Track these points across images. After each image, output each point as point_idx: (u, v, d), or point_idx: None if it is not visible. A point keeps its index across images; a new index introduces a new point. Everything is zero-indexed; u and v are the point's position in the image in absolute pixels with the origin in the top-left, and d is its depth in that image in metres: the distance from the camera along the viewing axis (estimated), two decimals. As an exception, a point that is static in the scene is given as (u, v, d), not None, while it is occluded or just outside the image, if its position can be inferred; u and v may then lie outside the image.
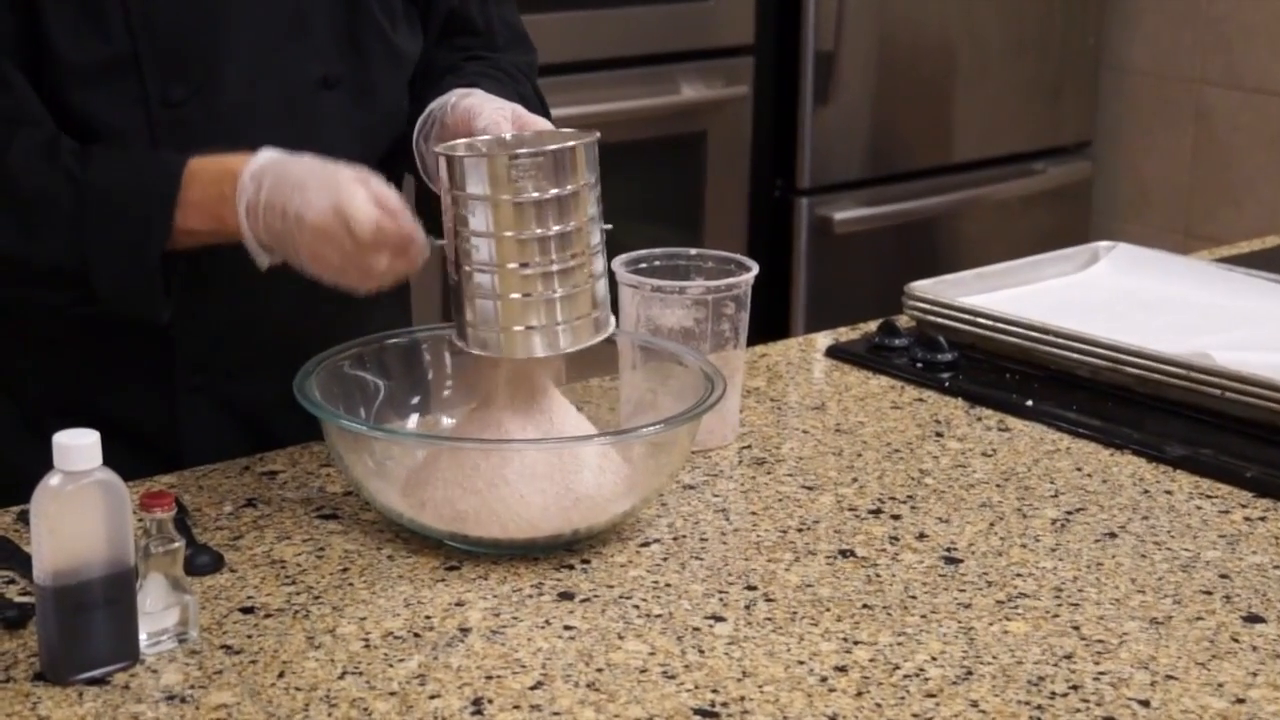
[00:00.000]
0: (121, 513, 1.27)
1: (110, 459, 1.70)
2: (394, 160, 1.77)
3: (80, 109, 1.63)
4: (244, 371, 1.77)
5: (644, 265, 1.74)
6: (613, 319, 1.56)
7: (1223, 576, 1.48)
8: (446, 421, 1.67)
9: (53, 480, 1.26)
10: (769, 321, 3.76)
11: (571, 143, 1.49)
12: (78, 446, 1.26)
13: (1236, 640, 1.36)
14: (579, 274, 1.49)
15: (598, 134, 1.52)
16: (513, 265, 1.47)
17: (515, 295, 1.48)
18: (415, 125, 1.72)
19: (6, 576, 1.44)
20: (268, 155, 1.53)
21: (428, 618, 1.38)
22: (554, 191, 1.46)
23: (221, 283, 1.69)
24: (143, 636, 1.31)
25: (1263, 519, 1.60)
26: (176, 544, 1.33)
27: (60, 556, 1.26)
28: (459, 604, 1.41)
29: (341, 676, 1.29)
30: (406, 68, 1.81)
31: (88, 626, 1.27)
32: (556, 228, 1.47)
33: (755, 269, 1.73)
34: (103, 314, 1.65)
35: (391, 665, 1.31)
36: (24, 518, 1.51)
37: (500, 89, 1.75)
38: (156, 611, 1.32)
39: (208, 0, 1.65)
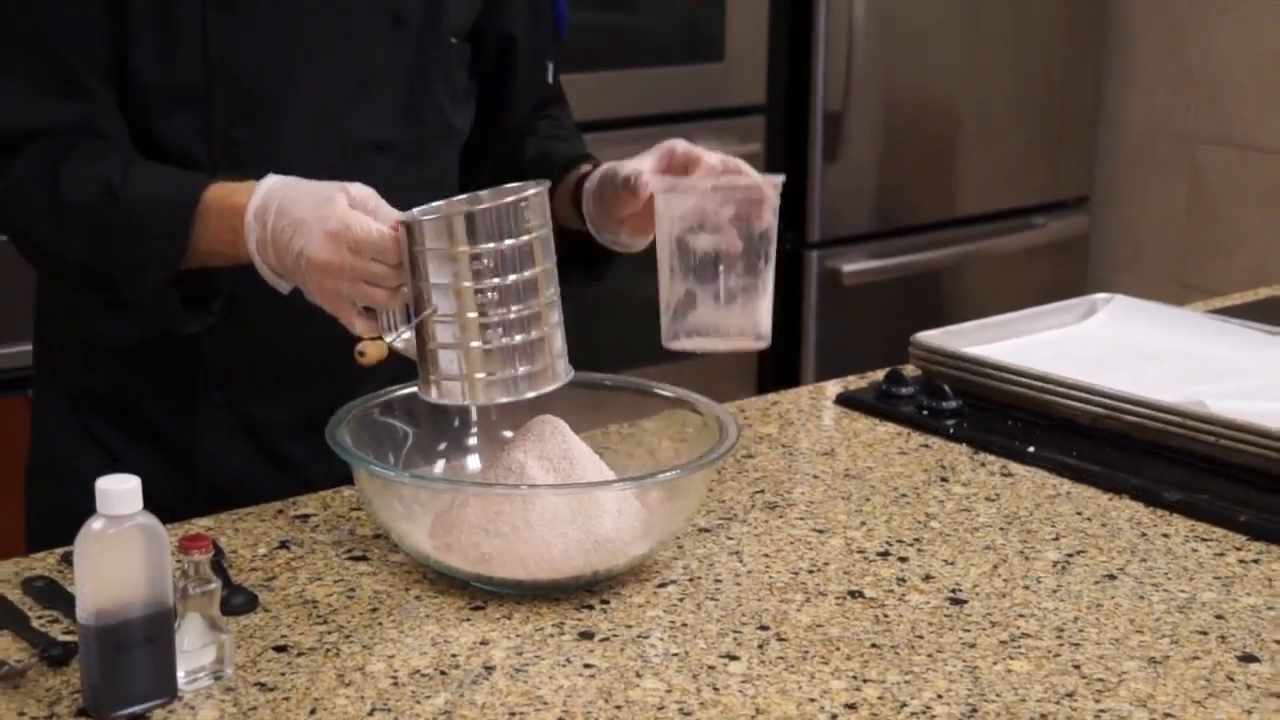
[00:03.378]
0: (161, 555, 1.28)
1: (135, 459, 1.72)
2: None
3: (150, 132, 1.68)
4: (264, 394, 1.80)
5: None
6: (571, 368, 1.56)
7: (1218, 617, 1.47)
8: (472, 467, 1.67)
9: (95, 524, 1.26)
10: (780, 370, 3.77)
11: (526, 193, 1.50)
12: (119, 491, 1.26)
13: (1232, 679, 1.36)
14: (537, 322, 1.50)
15: (548, 183, 1.54)
16: (472, 315, 1.47)
17: (476, 344, 1.48)
18: (580, 184, 1.78)
19: (51, 616, 1.44)
20: (268, 188, 1.54)
21: (454, 656, 1.38)
22: (509, 242, 1.46)
23: (253, 307, 1.70)
24: (180, 674, 1.31)
25: (1256, 561, 1.59)
26: (213, 585, 1.33)
27: (102, 597, 1.26)
28: (483, 643, 1.41)
29: (371, 713, 1.29)
30: (458, 140, 1.86)
31: (128, 664, 1.27)
32: (513, 277, 1.47)
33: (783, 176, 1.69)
34: (136, 320, 1.69)
35: (419, 702, 1.31)
36: (68, 559, 1.52)
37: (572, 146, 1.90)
38: (194, 650, 1.32)
39: (284, 50, 1.68)
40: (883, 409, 1.97)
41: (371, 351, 1.51)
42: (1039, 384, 1.92)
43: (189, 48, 1.66)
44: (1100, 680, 1.36)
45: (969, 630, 1.44)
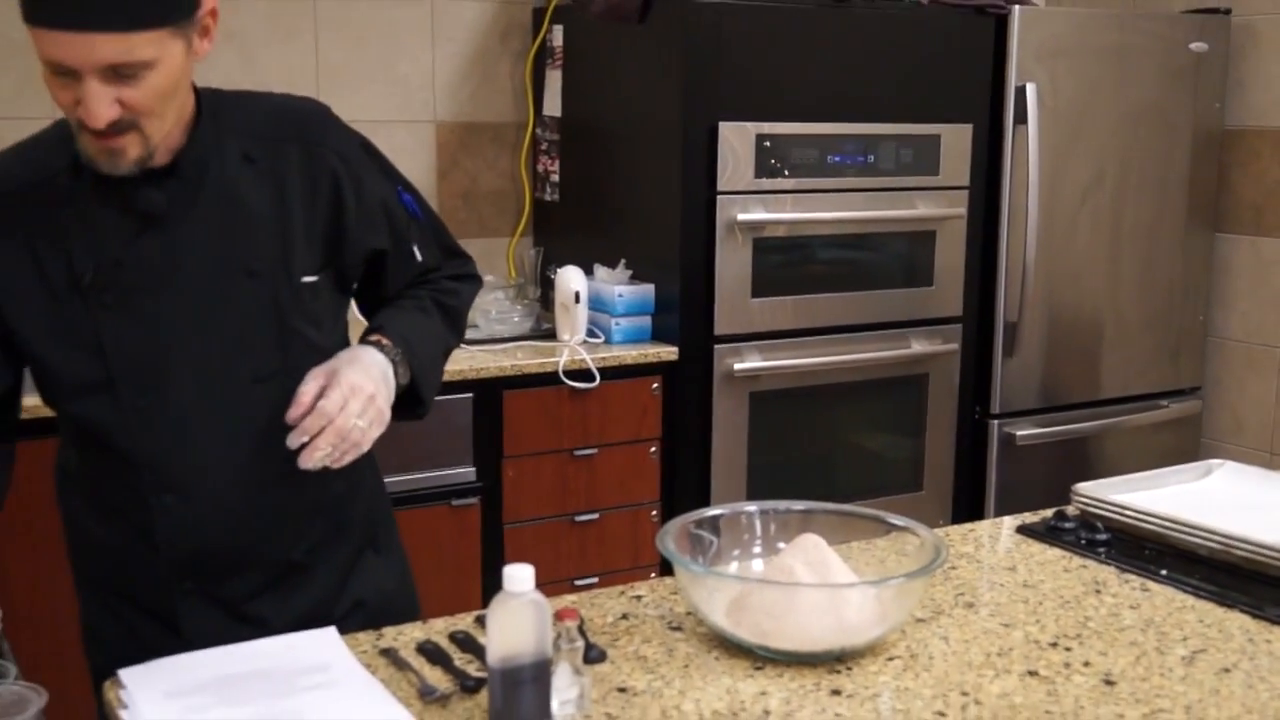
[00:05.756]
0: (544, 621, 1.28)
1: (142, 629, 1.60)
2: None
3: (72, 412, 1.54)
4: (227, 574, 1.60)
5: None
6: None
7: (1312, 706, 1.38)
8: (756, 568, 1.65)
9: (502, 597, 1.27)
10: (971, 508, 3.68)
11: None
12: (518, 577, 1.27)
13: (1324, 754, 1.27)
14: None
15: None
16: None
17: None
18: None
19: (468, 659, 1.47)
20: None
21: (741, 702, 1.37)
22: None
23: (191, 504, 1.54)
24: (554, 704, 1.31)
25: (1341, 665, 1.49)
26: (578, 643, 1.34)
27: (504, 648, 1.27)
28: (763, 693, 1.39)
29: (684, 740, 1.28)
30: (329, 354, 1.57)
31: (520, 696, 1.28)
32: None
33: None
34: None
35: (717, 734, 1.30)
36: (480, 620, 1.55)
37: (398, 312, 1.65)
38: (563, 688, 1.33)
39: (165, 331, 1.50)
40: (1051, 538, 1.90)
41: None
42: (1169, 524, 1.83)
43: (87, 350, 1.49)
44: (1221, 749, 1.27)
45: (1118, 704, 1.37)
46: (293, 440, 1.45)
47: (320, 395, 1.47)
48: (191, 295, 1.50)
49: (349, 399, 1.46)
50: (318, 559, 1.66)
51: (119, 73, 1.36)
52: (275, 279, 1.54)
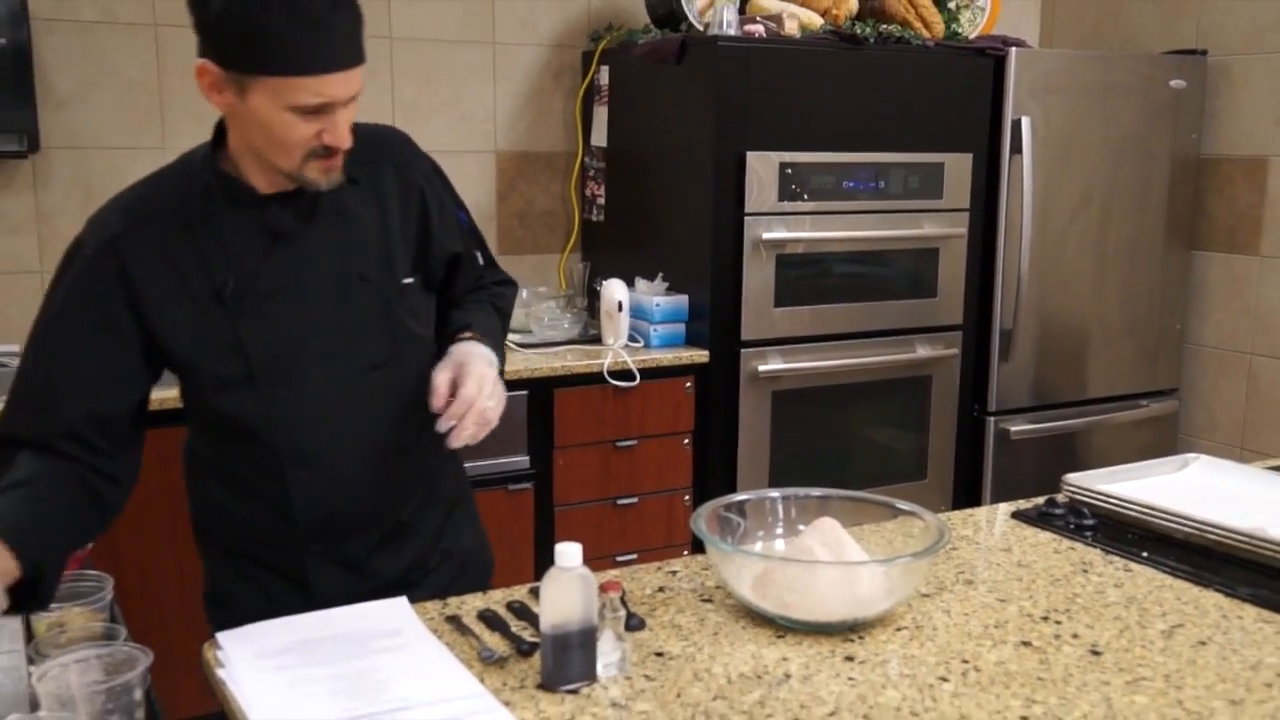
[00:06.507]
0: (590, 592, 1.29)
1: (274, 588, 1.63)
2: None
3: (218, 406, 1.54)
4: (349, 535, 1.63)
5: None
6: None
7: (1279, 675, 1.35)
8: (779, 547, 1.64)
9: (554, 572, 1.28)
10: (970, 496, 3.65)
11: None
12: (568, 553, 1.28)
13: (1290, 718, 1.25)
14: None
15: None
16: None
17: None
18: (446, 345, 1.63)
19: (523, 625, 1.47)
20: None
21: (765, 666, 1.36)
22: None
23: (322, 476, 1.58)
24: (599, 666, 1.32)
25: (1305, 639, 1.47)
26: (620, 613, 1.34)
27: (555, 616, 1.28)
28: (784, 659, 1.38)
29: (714, 698, 1.28)
30: (426, 343, 1.65)
31: (569, 659, 1.29)
32: None
33: None
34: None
35: (744, 693, 1.29)
36: (534, 592, 1.55)
37: (473, 314, 1.69)
38: (607, 652, 1.33)
39: (296, 331, 1.53)
40: (1042, 522, 1.88)
41: None
42: (1150, 511, 1.81)
43: (229, 351, 1.51)
44: (1196, 713, 1.26)
45: (1104, 673, 1.35)
46: (442, 425, 1.50)
47: (452, 385, 1.52)
48: (315, 299, 1.54)
49: (481, 385, 1.52)
50: (419, 518, 1.70)
51: (347, 103, 1.44)
52: (382, 282, 1.58)
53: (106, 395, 1.49)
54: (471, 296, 1.77)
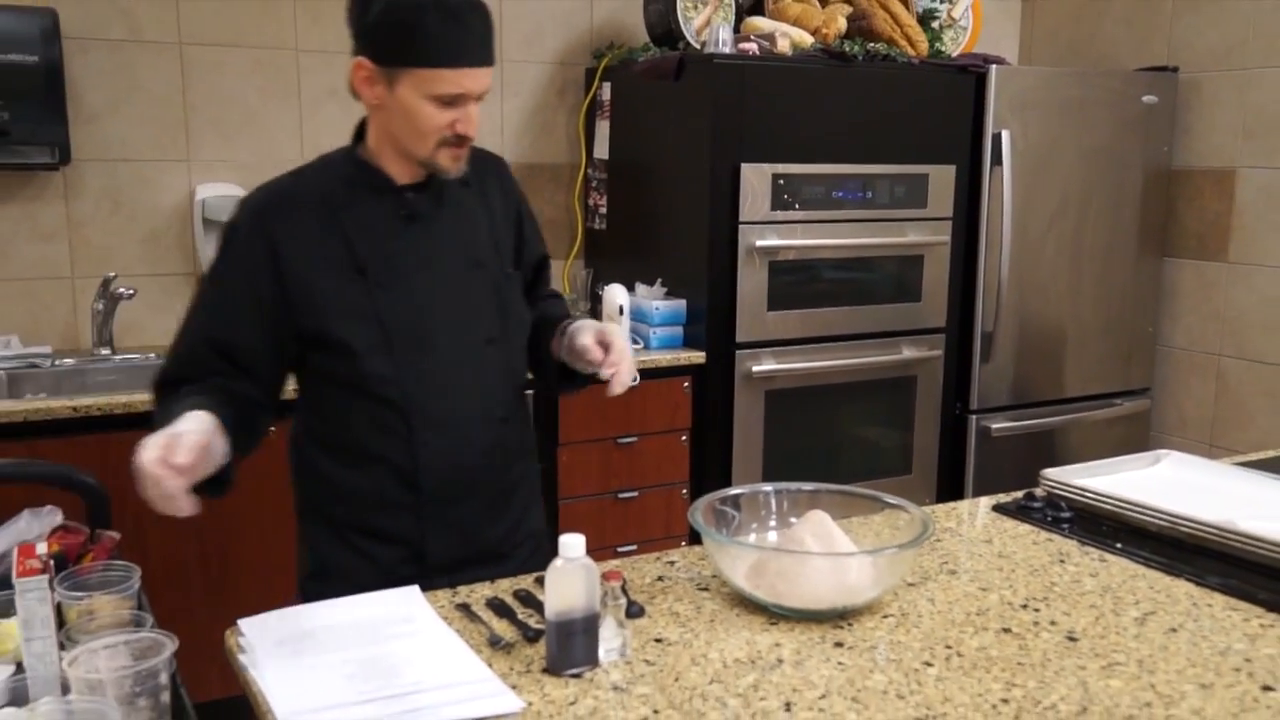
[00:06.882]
0: (593, 581, 1.29)
1: (382, 557, 1.65)
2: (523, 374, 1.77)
3: (360, 370, 1.59)
4: (462, 498, 1.67)
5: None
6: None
7: (1246, 660, 1.35)
8: (772, 538, 1.65)
9: (558, 562, 1.28)
10: (953, 489, 3.65)
11: None
12: (572, 544, 1.28)
13: (1256, 701, 1.24)
14: None
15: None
16: None
17: None
18: (557, 330, 1.76)
19: (529, 613, 1.47)
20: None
21: (758, 651, 1.36)
22: None
23: (446, 438, 1.63)
24: (601, 652, 1.32)
25: (1272, 626, 1.46)
26: (621, 600, 1.34)
27: (559, 604, 1.28)
28: (777, 644, 1.38)
29: (710, 682, 1.28)
30: (527, 327, 1.77)
31: (573, 644, 1.29)
32: None
33: None
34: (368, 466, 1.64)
35: (738, 677, 1.29)
36: (539, 581, 1.55)
37: (560, 307, 1.85)
38: (608, 638, 1.33)
39: (428, 302, 1.62)
40: (1021, 515, 1.88)
41: None
42: (1124, 504, 1.81)
43: (370, 321, 1.59)
44: (1168, 697, 1.25)
45: (1080, 658, 1.35)
46: (605, 372, 1.63)
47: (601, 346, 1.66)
48: (441, 277, 1.65)
49: (625, 343, 1.67)
50: (514, 491, 1.76)
51: (478, 97, 1.57)
52: (493, 269, 1.70)
53: (244, 330, 1.59)
54: (549, 301, 1.89)
